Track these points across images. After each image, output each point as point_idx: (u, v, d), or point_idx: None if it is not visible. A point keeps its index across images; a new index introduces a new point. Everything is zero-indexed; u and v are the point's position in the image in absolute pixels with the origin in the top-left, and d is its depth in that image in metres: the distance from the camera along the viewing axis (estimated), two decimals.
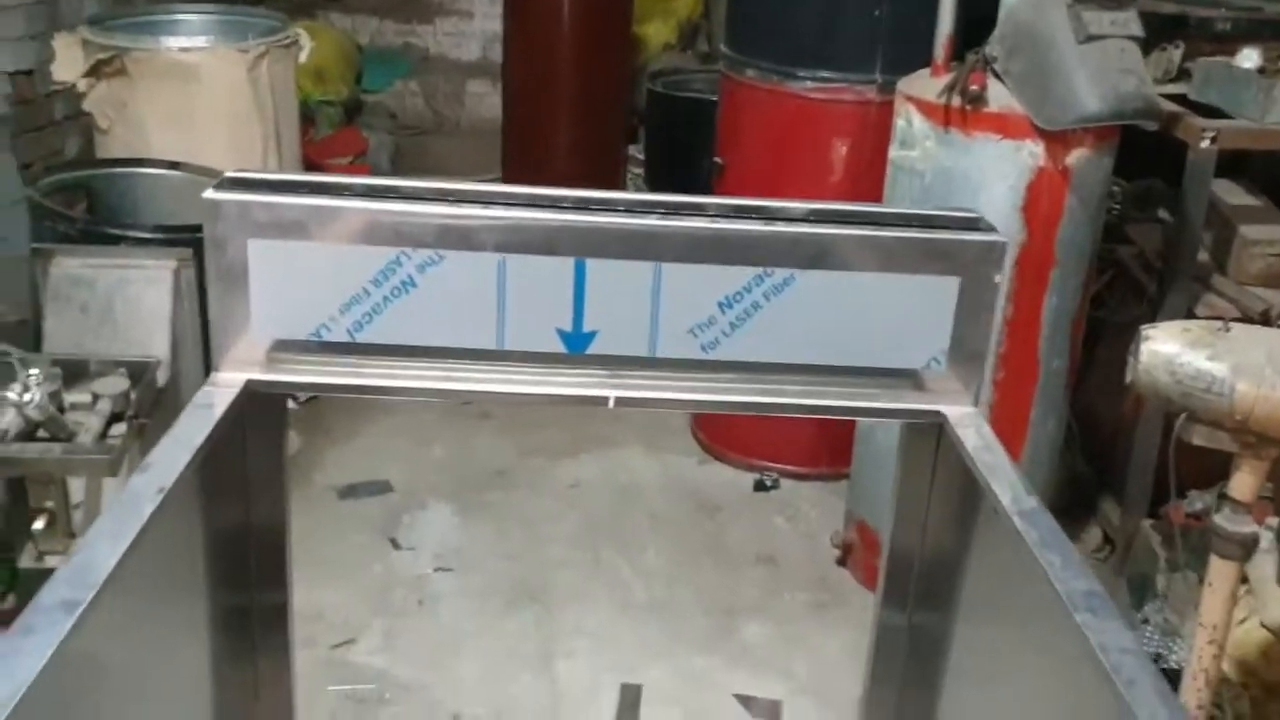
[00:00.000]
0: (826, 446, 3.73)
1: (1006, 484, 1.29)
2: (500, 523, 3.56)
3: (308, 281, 1.36)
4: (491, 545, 3.46)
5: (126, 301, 3.05)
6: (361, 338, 1.39)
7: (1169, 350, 1.92)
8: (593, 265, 1.37)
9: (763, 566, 3.42)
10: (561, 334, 1.40)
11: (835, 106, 3.40)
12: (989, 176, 2.77)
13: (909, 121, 2.88)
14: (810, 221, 1.42)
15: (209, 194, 1.36)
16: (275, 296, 1.37)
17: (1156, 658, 2.68)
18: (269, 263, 1.36)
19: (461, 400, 1.41)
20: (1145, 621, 2.81)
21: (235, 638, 1.53)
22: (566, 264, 1.37)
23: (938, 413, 1.45)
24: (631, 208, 1.41)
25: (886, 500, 1.57)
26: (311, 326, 1.38)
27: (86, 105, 3.72)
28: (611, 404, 1.42)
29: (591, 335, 1.40)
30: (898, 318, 1.43)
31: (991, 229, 1.44)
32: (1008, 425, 3.02)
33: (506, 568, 3.35)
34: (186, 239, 3.21)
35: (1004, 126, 2.74)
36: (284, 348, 1.40)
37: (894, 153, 2.96)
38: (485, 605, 3.19)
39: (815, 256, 1.40)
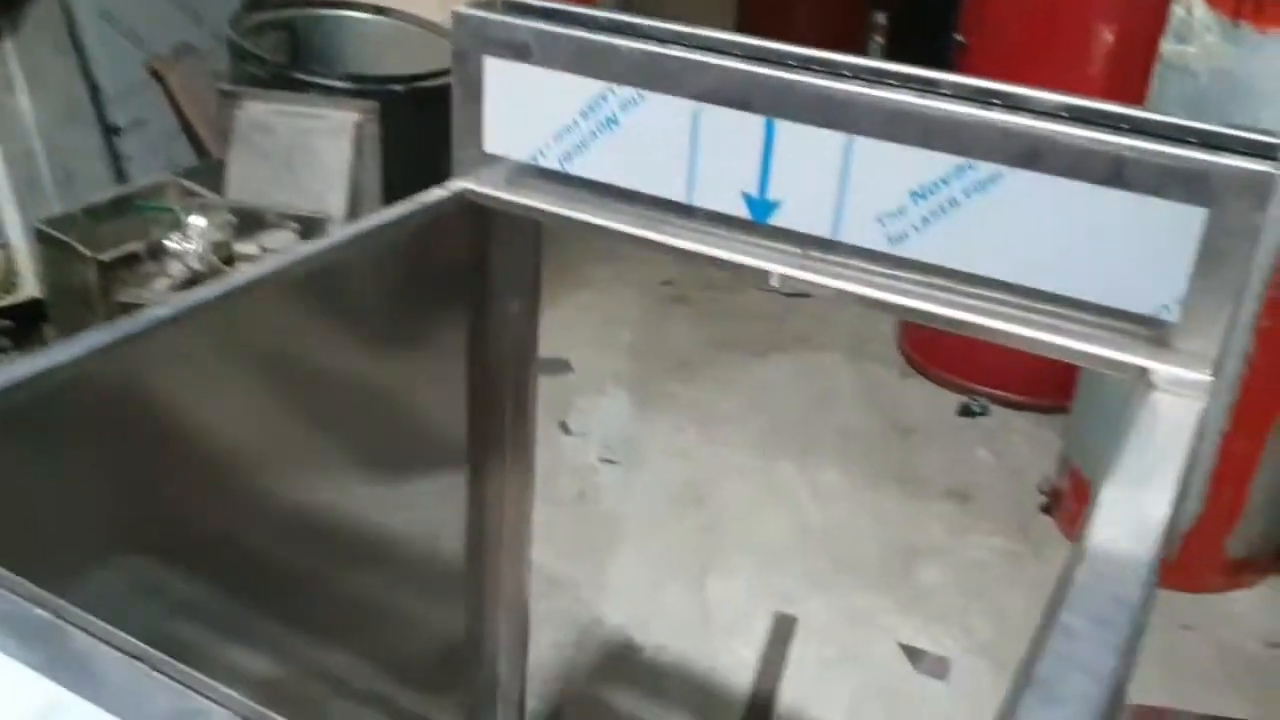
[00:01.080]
0: (1050, 374, 3.29)
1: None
2: (677, 418, 3.35)
3: (530, 105, 1.38)
4: (664, 441, 3.26)
5: (306, 152, 2.94)
6: (569, 168, 1.38)
7: None
8: (782, 127, 1.25)
9: (954, 502, 3.10)
10: (747, 198, 1.30)
11: None
12: None
13: (1188, 10, 2.39)
14: (1033, 113, 1.13)
15: (459, 8, 1.38)
16: (504, 116, 1.41)
17: None
18: (500, 81, 1.39)
19: (644, 250, 1.32)
20: None
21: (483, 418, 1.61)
22: (757, 122, 1.25)
23: (1144, 369, 1.12)
24: (864, 74, 1.21)
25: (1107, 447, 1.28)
26: (530, 150, 1.40)
27: None
28: (774, 281, 1.28)
29: (775, 204, 1.29)
30: (1123, 246, 1.12)
31: (1271, 155, 1.07)
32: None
33: (676, 468, 3.15)
34: (374, 90, 3.06)
35: None
36: (506, 165, 1.43)
37: (1166, 47, 2.48)
38: (647, 506, 3.01)
39: (1027, 155, 1.12)
